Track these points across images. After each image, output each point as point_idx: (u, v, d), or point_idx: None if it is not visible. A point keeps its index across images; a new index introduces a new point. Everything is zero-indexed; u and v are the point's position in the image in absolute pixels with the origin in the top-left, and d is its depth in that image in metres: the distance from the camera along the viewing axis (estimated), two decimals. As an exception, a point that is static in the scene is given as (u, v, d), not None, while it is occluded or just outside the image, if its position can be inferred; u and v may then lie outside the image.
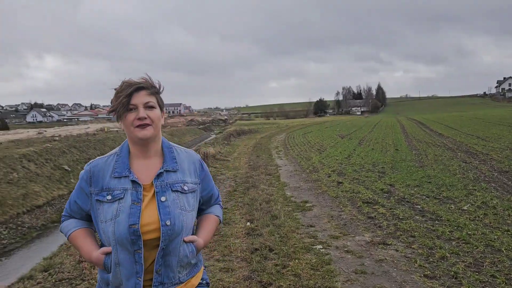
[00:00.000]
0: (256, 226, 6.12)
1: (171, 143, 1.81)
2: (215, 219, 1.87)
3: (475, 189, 7.78)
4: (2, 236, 11.22)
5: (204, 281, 1.80)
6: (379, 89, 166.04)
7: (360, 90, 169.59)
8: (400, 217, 6.09)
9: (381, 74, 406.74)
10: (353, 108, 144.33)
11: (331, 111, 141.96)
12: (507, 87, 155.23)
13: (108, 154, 1.72)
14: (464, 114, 57.90)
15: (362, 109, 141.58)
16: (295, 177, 10.62)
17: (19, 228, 11.95)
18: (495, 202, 6.70)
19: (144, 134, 1.60)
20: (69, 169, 17.61)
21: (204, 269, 1.84)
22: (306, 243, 5.18)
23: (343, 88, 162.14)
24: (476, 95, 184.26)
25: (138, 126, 1.60)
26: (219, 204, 1.95)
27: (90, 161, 1.71)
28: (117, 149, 1.73)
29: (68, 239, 1.75)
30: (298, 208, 7.25)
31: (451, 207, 6.53)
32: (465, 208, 6.45)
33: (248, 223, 6.43)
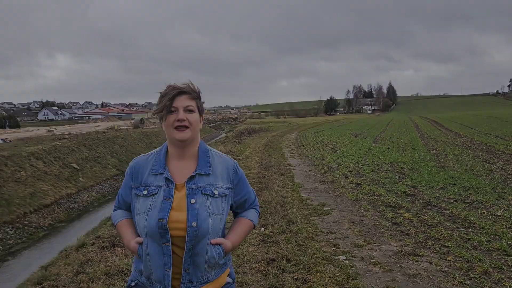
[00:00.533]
0: (271, 232, 5.67)
1: (208, 147, 1.85)
2: (247, 222, 1.89)
3: (505, 192, 7.24)
4: (9, 236, 10.94)
5: (231, 279, 1.85)
6: (390, 88, 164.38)
7: (371, 89, 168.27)
8: (429, 224, 5.59)
9: (392, 73, 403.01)
10: (363, 107, 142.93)
11: (342, 109, 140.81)
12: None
13: (150, 152, 1.84)
14: (478, 113, 56.70)
15: (373, 108, 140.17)
16: (310, 178, 10.15)
17: (26, 227, 11.68)
18: (530, 207, 6.16)
19: (182, 136, 1.69)
20: (78, 168, 17.35)
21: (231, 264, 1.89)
22: (327, 252, 4.71)
23: (354, 87, 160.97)
24: (488, 94, 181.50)
25: (177, 128, 1.68)
26: (255, 208, 1.96)
27: (134, 158, 1.85)
28: (158, 148, 1.84)
29: (115, 227, 1.91)
30: (316, 212, 6.78)
31: (483, 213, 6.00)
32: (498, 213, 5.92)
33: (263, 229, 5.99)
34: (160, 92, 1.73)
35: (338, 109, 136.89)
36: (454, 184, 8.22)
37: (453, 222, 5.65)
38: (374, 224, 5.81)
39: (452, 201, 6.82)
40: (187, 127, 1.68)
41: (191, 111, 1.70)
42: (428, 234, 5.15)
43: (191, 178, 1.70)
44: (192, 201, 1.66)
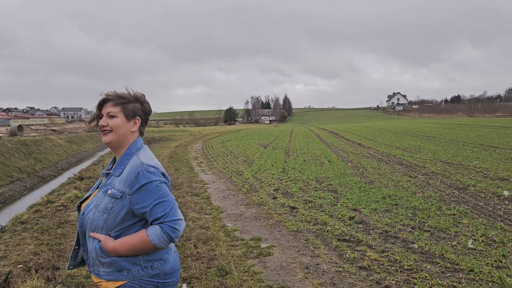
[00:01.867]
0: (201, 293, 3.89)
1: (138, 153, 1.90)
2: (141, 235, 1.80)
3: (455, 215, 6.46)
4: None
5: None
6: (286, 100, 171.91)
7: (268, 100, 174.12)
8: (405, 267, 4.34)
9: (285, 86, 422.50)
10: (262, 117, 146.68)
11: (241, 119, 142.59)
12: (396, 102, 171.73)
13: None
14: (369, 124, 61.14)
15: (270, 118, 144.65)
16: (230, 199, 8.51)
17: None
18: (494, 234, 5.35)
19: (105, 140, 1.91)
20: None
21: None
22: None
23: (252, 98, 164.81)
24: (370, 108, 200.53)
25: (102, 132, 1.90)
26: (161, 226, 1.77)
27: None
28: None
29: None
30: (251, 250, 5.16)
31: (455, 246, 4.99)
32: (470, 245, 4.96)
33: (185, 285, 4.17)
34: None
35: (237, 119, 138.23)
36: (396, 204, 7.29)
37: (432, 262, 4.48)
38: (336, 271, 4.37)
39: (409, 229, 5.76)
40: (109, 131, 1.87)
41: (112, 116, 1.87)
42: (414, 285, 3.86)
43: (107, 175, 1.92)
44: (97, 194, 1.89)
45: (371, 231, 5.65)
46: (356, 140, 26.10)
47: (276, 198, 8.16)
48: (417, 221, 6.13)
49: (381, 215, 6.51)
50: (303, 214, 6.69)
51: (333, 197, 8.06)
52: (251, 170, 12.52)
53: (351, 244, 5.16)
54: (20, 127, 36.89)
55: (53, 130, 55.99)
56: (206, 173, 12.55)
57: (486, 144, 19.33)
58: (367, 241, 5.19)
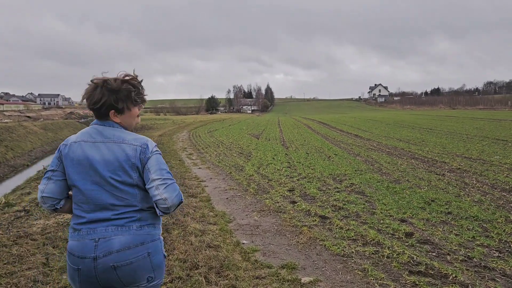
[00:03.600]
0: None
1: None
2: None
3: (532, 228, 5.05)
4: None
5: None
6: (268, 89, 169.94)
7: (251, 89, 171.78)
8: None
9: (265, 76, 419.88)
10: (244, 107, 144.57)
11: (223, 108, 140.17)
12: (377, 93, 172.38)
13: None
14: (355, 115, 60.16)
15: (253, 108, 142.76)
16: (237, 202, 6.90)
17: None
18: None
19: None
20: None
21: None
22: None
23: (234, 87, 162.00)
24: (351, 99, 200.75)
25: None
26: None
27: None
28: None
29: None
30: (288, 286, 3.59)
31: None
32: None
33: None
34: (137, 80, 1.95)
35: (219, 108, 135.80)
36: (449, 213, 5.83)
37: None
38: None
39: (495, 252, 4.28)
40: None
41: None
42: None
43: None
44: None
45: (447, 257, 4.14)
46: (351, 131, 24.76)
47: (295, 202, 6.59)
48: (495, 239, 4.66)
49: (442, 230, 5.02)
50: (341, 227, 5.14)
51: (365, 202, 6.55)
52: (251, 164, 10.90)
53: (433, 280, 3.63)
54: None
55: (28, 116, 53.00)
56: (199, 167, 10.87)
57: (491, 137, 18.25)
58: (455, 276, 3.66)
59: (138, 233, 1.82)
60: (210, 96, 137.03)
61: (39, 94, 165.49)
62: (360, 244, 4.54)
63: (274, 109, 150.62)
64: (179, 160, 12.29)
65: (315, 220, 5.51)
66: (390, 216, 5.66)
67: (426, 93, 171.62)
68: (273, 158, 12.01)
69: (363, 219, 5.49)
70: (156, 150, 1.90)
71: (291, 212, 6.01)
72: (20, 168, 20.82)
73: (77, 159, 1.83)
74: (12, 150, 24.89)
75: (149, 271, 1.84)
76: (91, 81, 1.87)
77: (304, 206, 6.22)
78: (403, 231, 4.90)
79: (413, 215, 5.68)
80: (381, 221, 5.36)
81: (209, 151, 14.66)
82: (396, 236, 4.77)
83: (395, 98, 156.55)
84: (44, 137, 32.52)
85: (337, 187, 7.70)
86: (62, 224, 5.65)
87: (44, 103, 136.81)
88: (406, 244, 4.52)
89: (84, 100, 1.91)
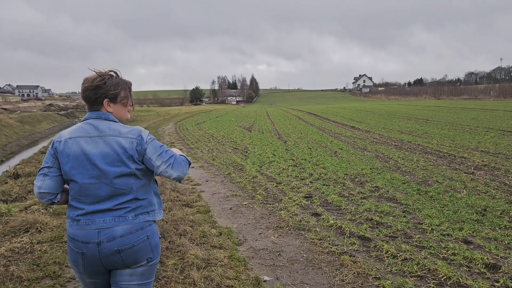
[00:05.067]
0: None
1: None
2: None
3: None
4: None
5: None
6: (253, 80, 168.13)
7: (235, 80, 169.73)
8: None
9: (248, 66, 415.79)
10: (228, 98, 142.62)
11: (207, 99, 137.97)
12: (362, 84, 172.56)
13: None
14: (343, 106, 59.30)
15: (237, 99, 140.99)
16: (244, 214, 5.58)
17: None
18: None
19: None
20: None
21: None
22: None
23: (219, 77, 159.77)
24: (336, 90, 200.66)
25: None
26: None
27: None
28: None
29: None
30: None
31: None
32: None
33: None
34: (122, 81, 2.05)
35: (203, 99, 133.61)
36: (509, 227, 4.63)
37: None
38: None
39: None
40: None
41: None
42: None
43: None
44: None
45: None
46: (345, 123, 23.63)
47: (318, 214, 5.29)
48: None
49: (524, 255, 3.81)
50: (394, 256, 3.86)
51: (403, 212, 5.30)
52: (251, 162, 9.56)
53: None
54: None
55: (4, 108, 50.47)
56: (191, 166, 9.49)
57: (495, 128, 17.34)
58: None
59: (135, 222, 1.92)
60: (194, 87, 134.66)
61: (17, 86, 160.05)
62: (432, 286, 3.28)
63: (259, 100, 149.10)
64: (167, 158, 10.87)
65: (354, 243, 4.23)
66: (447, 234, 4.42)
67: (409, 83, 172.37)
68: (274, 155, 10.69)
69: (417, 241, 4.23)
70: (150, 138, 1.97)
71: (318, 229, 4.72)
72: None
73: (74, 154, 1.89)
74: (-16, 145, 23.07)
75: (149, 252, 1.96)
76: (94, 71, 2.00)
77: (332, 221, 4.92)
78: (480, 261, 3.65)
79: (473, 232, 4.46)
80: (441, 244, 4.12)
81: (200, 146, 13.25)
82: (476, 271, 3.52)
83: (380, 89, 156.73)
84: (20, 130, 30.62)
85: (361, 192, 6.45)
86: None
87: (23, 95, 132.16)
88: (497, 285, 3.28)
89: (81, 88, 2.00)
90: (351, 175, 7.80)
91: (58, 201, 1.99)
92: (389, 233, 4.50)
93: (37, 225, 4.98)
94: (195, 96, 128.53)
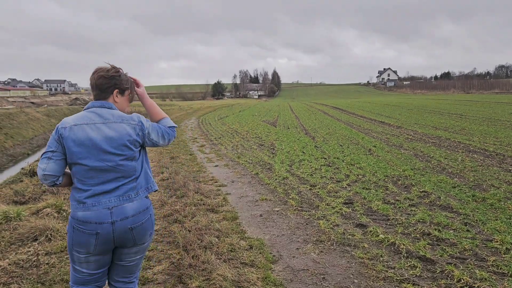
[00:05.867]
0: None
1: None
2: None
3: None
4: None
5: None
6: (275, 74, 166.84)
7: (257, 74, 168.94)
8: None
9: (269, 60, 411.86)
10: (250, 92, 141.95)
11: (229, 94, 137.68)
12: (386, 78, 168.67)
13: None
14: (369, 100, 57.78)
15: (259, 93, 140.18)
16: (275, 222, 4.91)
17: None
18: None
19: None
20: None
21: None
22: None
23: (240, 72, 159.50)
24: (359, 84, 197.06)
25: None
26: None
27: None
28: None
29: None
30: None
31: None
32: None
33: None
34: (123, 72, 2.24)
35: (225, 93, 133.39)
36: None
37: None
38: None
39: None
40: None
41: None
42: None
43: None
44: None
45: None
46: (373, 118, 22.60)
47: (364, 226, 4.57)
48: None
49: None
50: (469, 286, 3.12)
51: (464, 225, 4.52)
52: (279, 160, 8.88)
53: None
54: (-8, 99, 32.46)
55: (32, 102, 51.41)
56: (215, 164, 8.87)
57: (541, 125, 16.07)
58: None
59: (137, 199, 2.14)
60: (216, 81, 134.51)
61: (45, 80, 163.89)
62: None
63: (281, 94, 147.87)
64: (190, 155, 10.28)
65: (415, 266, 3.50)
66: (527, 256, 3.63)
67: (436, 77, 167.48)
68: (303, 152, 9.97)
69: (493, 265, 3.46)
70: (149, 124, 2.23)
71: (366, 245, 4.00)
72: (20, 158, 19.42)
73: (80, 140, 2.02)
74: (12, 138, 23.22)
75: (151, 228, 2.24)
76: (108, 64, 2.20)
77: (381, 235, 4.20)
78: None
79: (559, 254, 3.66)
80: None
81: (224, 142, 12.64)
82: None
83: (405, 83, 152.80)
84: (47, 123, 30.84)
85: (408, 198, 5.68)
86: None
87: (51, 89, 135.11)
88: None
89: (95, 75, 2.15)
90: (393, 177, 7.02)
91: (59, 183, 2.11)
92: (455, 253, 3.75)
93: (47, 232, 4.45)
94: (217, 90, 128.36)
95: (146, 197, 2.20)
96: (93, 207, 2.02)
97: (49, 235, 4.43)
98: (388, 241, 4.04)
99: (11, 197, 5.98)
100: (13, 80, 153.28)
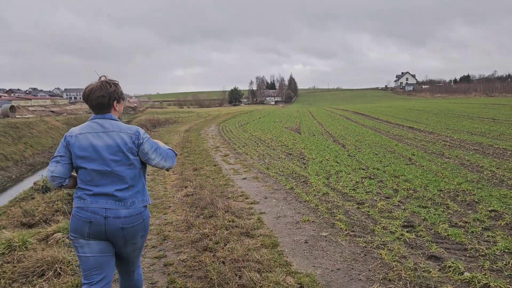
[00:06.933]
0: None
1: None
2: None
3: None
4: None
5: None
6: (292, 80, 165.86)
7: (274, 80, 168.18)
8: None
9: (284, 67, 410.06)
10: (267, 98, 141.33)
11: (246, 100, 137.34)
12: (405, 82, 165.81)
13: None
14: (390, 105, 56.38)
15: (276, 99, 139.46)
16: (325, 251, 4.10)
17: None
18: None
19: None
20: None
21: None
22: None
23: (257, 78, 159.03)
24: (377, 88, 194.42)
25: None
26: None
27: None
28: None
29: None
30: None
31: None
32: None
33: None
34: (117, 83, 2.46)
35: (242, 100, 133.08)
36: None
37: None
38: None
39: None
40: None
41: None
42: None
43: None
44: None
45: None
46: (400, 123, 21.55)
47: (438, 258, 3.71)
48: None
49: None
50: None
51: None
52: (313, 172, 8.05)
53: None
54: (12, 108, 32.65)
55: (52, 111, 51.81)
56: (243, 177, 8.09)
57: None
58: None
59: (132, 207, 2.34)
60: (233, 88, 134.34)
61: (65, 89, 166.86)
62: None
63: (298, 100, 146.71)
64: (214, 166, 9.54)
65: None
66: None
67: (455, 80, 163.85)
68: (337, 162, 9.12)
69: None
70: (146, 136, 2.43)
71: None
72: (39, 167, 19.23)
73: (84, 147, 2.29)
74: (31, 147, 23.05)
75: (143, 231, 2.42)
76: (99, 79, 2.42)
77: (467, 273, 3.33)
78: None
79: None
80: None
81: (249, 151, 11.87)
82: None
83: (424, 87, 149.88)
84: (66, 132, 30.83)
85: (478, 219, 4.79)
86: None
87: (70, 98, 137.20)
88: None
89: (92, 97, 2.38)
90: (449, 192, 6.13)
91: (66, 184, 2.37)
92: None
93: (56, 265, 3.75)
94: (234, 96, 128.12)
95: (144, 206, 2.41)
96: (91, 204, 2.27)
97: (58, 269, 3.72)
98: (478, 282, 3.19)
99: (20, 218, 5.33)
100: (34, 89, 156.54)
